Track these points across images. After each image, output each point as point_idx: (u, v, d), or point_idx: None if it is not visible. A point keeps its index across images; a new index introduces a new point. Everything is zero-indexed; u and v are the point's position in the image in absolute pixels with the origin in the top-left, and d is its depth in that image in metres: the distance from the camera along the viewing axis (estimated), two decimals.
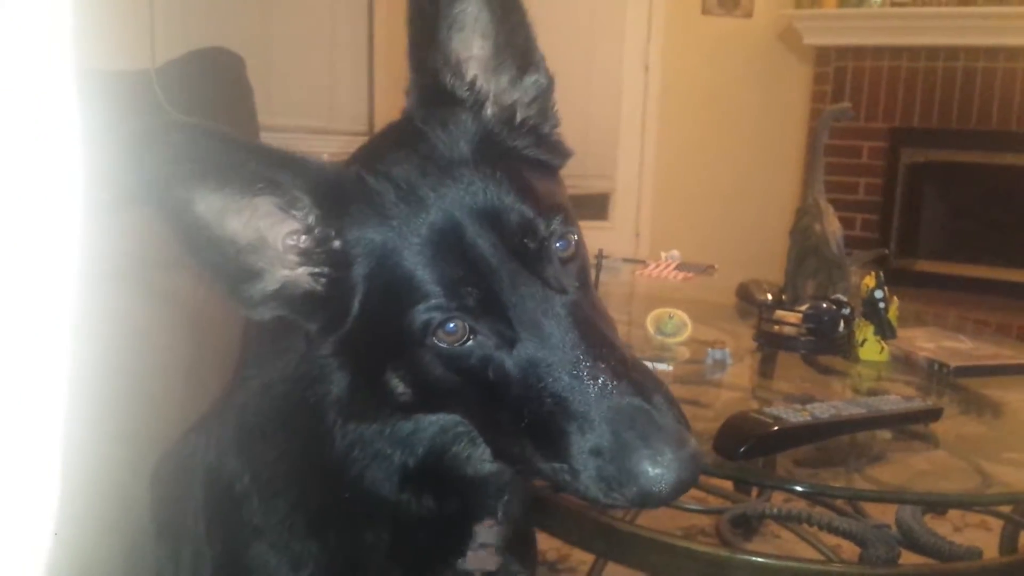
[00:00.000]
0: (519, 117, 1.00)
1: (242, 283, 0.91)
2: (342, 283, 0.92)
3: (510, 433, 0.89)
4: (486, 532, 1.03)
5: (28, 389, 0.40)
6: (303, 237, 0.92)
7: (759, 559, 1.53)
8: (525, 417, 0.86)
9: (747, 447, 1.48)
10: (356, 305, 0.92)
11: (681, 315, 2.12)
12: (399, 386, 0.93)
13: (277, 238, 0.92)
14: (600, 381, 0.83)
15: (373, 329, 0.92)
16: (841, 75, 4.90)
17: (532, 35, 1.00)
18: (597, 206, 5.34)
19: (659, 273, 3.02)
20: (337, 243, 0.92)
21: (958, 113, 4.66)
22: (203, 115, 3.13)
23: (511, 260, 0.88)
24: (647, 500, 0.81)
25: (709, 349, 2.04)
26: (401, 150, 0.94)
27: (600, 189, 5.32)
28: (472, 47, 0.98)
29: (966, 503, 2.05)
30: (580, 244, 0.96)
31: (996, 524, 2.19)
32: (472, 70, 0.98)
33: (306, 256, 0.93)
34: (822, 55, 4.95)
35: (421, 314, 0.87)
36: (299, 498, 1.02)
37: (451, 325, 0.87)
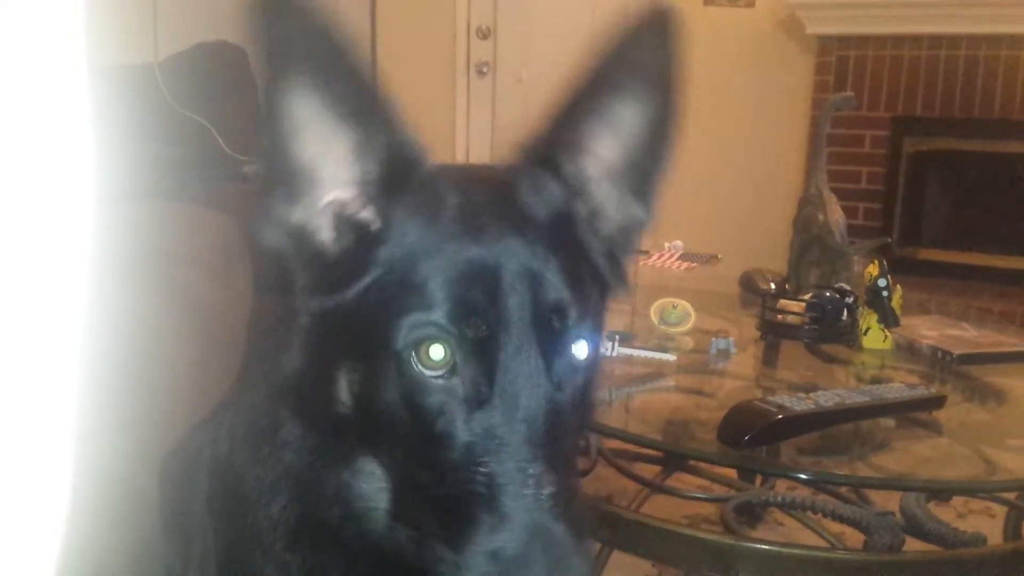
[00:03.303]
0: (603, 229, 0.98)
1: (276, 194, 0.88)
2: (356, 259, 0.88)
3: (422, 496, 0.84)
4: None
5: (39, 382, 0.40)
6: (350, 194, 0.89)
7: (764, 546, 1.54)
8: (447, 485, 0.81)
9: (751, 436, 1.49)
10: (358, 287, 0.88)
11: (685, 305, 2.13)
12: (343, 392, 0.89)
13: (328, 178, 0.89)
14: (542, 494, 0.77)
15: (356, 318, 0.88)
16: (843, 64, 4.89)
17: (665, 175, 0.98)
18: None
19: (662, 263, 3.03)
20: (375, 219, 0.89)
21: (960, 101, 4.65)
22: (207, 108, 3.14)
23: (530, 327, 0.84)
24: None
25: (713, 338, 2.05)
26: (487, 184, 0.93)
27: None
28: (605, 146, 0.96)
29: (970, 490, 2.06)
30: (596, 361, 0.92)
31: (1000, 511, 2.20)
32: (588, 163, 0.97)
33: (340, 213, 0.90)
34: (824, 44, 4.93)
35: (412, 326, 0.83)
36: (288, 504, 0.98)
37: (439, 350, 0.83)
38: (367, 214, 0.89)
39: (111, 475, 1.07)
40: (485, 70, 5.39)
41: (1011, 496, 2.01)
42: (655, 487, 1.99)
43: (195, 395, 1.45)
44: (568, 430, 0.87)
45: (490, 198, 0.93)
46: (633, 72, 0.94)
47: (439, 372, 0.83)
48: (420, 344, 0.83)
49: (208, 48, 3.32)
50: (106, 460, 1.06)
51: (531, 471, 0.78)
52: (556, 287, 0.86)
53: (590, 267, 0.96)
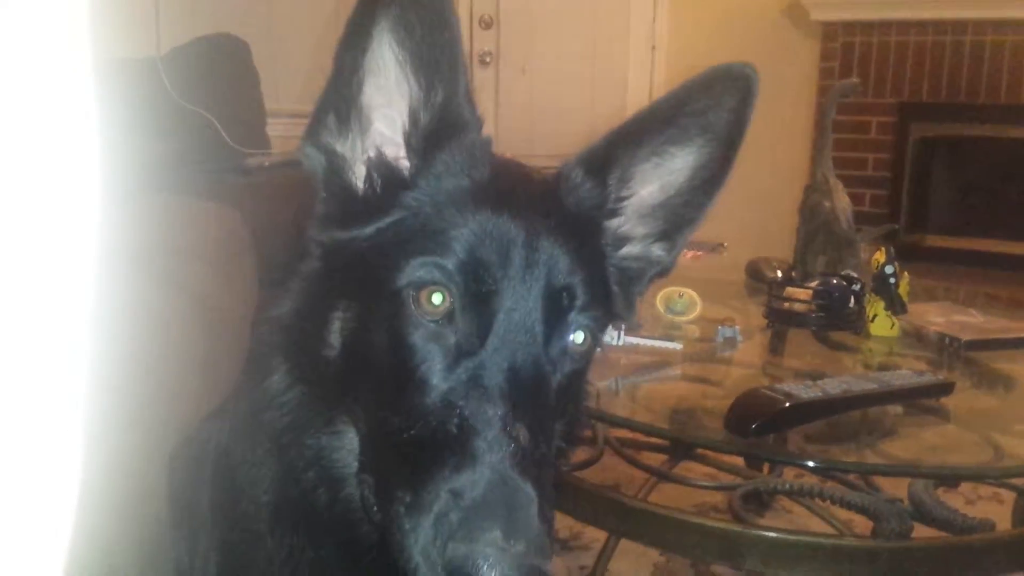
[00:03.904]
0: (625, 253, 1.02)
1: (327, 121, 0.92)
2: (382, 199, 0.92)
3: (393, 441, 0.84)
4: None
5: (47, 377, 0.40)
6: (396, 141, 0.93)
7: (772, 534, 1.53)
8: (419, 427, 0.82)
9: (759, 424, 1.49)
10: (377, 225, 0.91)
11: (691, 293, 2.13)
12: (333, 335, 0.91)
13: (381, 125, 0.93)
14: (509, 447, 0.78)
15: (366, 255, 0.90)
16: (848, 50, 4.87)
17: (697, 224, 1.02)
18: None
19: None
20: (411, 165, 0.92)
21: (966, 87, 4.63)
22: (210, 101, 3.14)
23: (537, 296, 0.86)
24: (462, 572, 0.73)
25: (719, 327, 2.05)
26: (528, 169, 0.97)
27: None
28: (649, 183, 1.00)
29: (978, 476, 2.05)
30: (590, 360, 0.95)
31: (1009, 496, 2.19)
32: (630, 192, 1.00)
33: (380, 157, 0.93)
34: (829, 31, 4.92)
35: (421, 266, 0.85)
36: (270, 484, 1.00)
37: (439, 296, 0.85)
38: (405, 162, 0.93)
39: (119, 469, 1.07)
40: (488, 60, 5.38)
41: (1020, 482, 2.00)
42: (662, 476, 1.99)
43: (200, 389, 1.46)
44: (550, 406, 0.88)
45: (527, 179, 0.97)
46: (700, 123, 0.96)
47: (439, 317, 0.85)
48: (423, 287, 0.85)
49: (210, 41, 3.31)
50: (114, 454, 1.06)
51: (506, 421, 0.80)
52: (570, 271, 0.89)
53: (603, 278, 0.98)
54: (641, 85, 5.14)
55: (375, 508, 0.87)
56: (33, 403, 0.40)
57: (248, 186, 2.90)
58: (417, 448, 0.81)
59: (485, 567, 0.72)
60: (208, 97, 3.13)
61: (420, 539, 0.76)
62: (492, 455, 0.77)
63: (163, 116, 3.00)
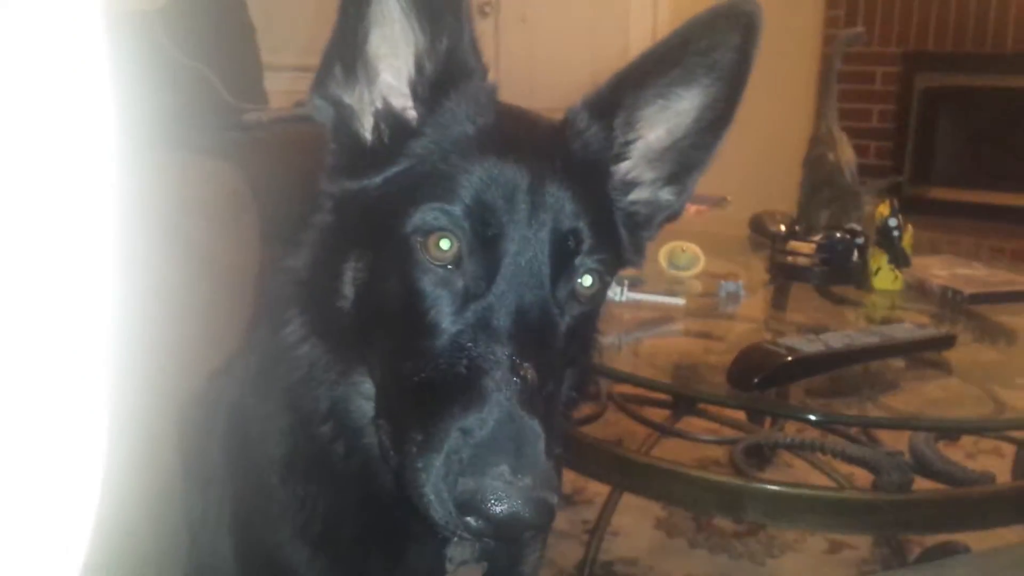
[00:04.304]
0: (633, 197, 1.02)
1: (335, 72, 0.93)
2: (390, 148, 0.93)
3: (406, 384, 0.86)
4: (459, 550, 1.00)
5: (69, 338, 0.40)
6: (402, 91, 0.94)
7: (774, 487, 1.55)
8: (430, 370, 0.83)
9: (761, 378, 1.49)
10: (386, 174, 0.92)
11: (694, 248, 2.12)
12: (347, 285, 0.92)
13: (387, 76, 0.94)
14: (516, 387, 0.80)
15: (376, 204, 0.92)
16: None
17: (706, 166, 1.01)
18: None
19: None
20: (417, 114, 0.93)
21: (973, 36, 4.56)
22: (205, 55, 3.10)
23: (543, 240, 0.87)
24: (472, 506, 0.75)
25: (722, 282, 2.04)
26: (533, 114, 0.98)
27: None
28: (655, 129, 1.00)
29: (979, 429, 2.06)
30: (599, 303, 0.95)
31: (1009, 450, 2.21)
32: (636, 135, 1.00)
33: (387, 107, 0.94)
34: None
35: (428, 212, 0.86)
36: (282, 436, 1.02)
37: (447, 242, 0.86)
38: (411, 112, 0.94)
39: (129, 426, 1.07)
40: (488, 10, 5.31)
41: (1020, 435, 2.02)
42: (665, 431, 2.00)
43: (206, 345, 1.46)
44: (558, 348, 0.89)
45: (533, 124, 0.97)
46: (705, 62, 0.95)
47: (443, 263, 0.86)
48: (431, 233, 0.86)
49: None
50: (124, 411, 1.07)
51: (514, 362, 0.81)
52: (575, 214, 0.89)
53: (610, 222, 0.98)
54: (643, 33, 5.07)
55: (392, 452, 0.88)
56: (57, 361, 0.40)
57: (247, 142, 2.87)
58: (429, 390, 0.83)
59: (493, 500, 0.74)
60: (204, 50, 3.10)
61: (431, 476, 0.78)
62: (500, 394, 0.79)
63: (159, 71, 2.97)
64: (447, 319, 0.85)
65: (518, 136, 0.94)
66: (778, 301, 2.20)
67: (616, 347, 1.76)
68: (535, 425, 0.78)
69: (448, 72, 0.92)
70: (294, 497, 1.01)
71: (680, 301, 1.97)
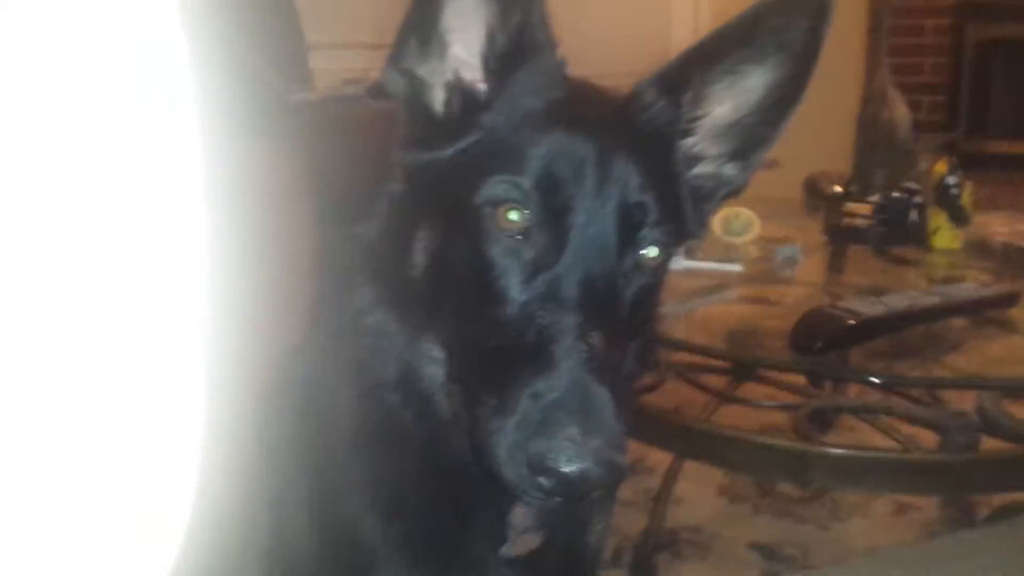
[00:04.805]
0: (697, 172, 1.03)
1: (408, 46, 0.95)
2: (461, 120, 0.94)
3: (477, 351, 0.88)
4: (520, 518, 1.01)
5: (169, 328, 0.42)
6: (473, 65, 0.96)
7: (838, 450, 1.55)
8: (500, 337, 0.86)
9: (824, 342, 1.49)
10: (457, 146, 0.94)
11: (748, 213, 2.11)
12: (418, 254, 0.94)
13: (459, 49, 0.95)
14: (584, 354, 0.81)
15: (448, 175, 0.93)
16: None
17: (771, 144, 1.01)
18: None
19: None
20: (487, 88, 0.95)
21: None
22: (250, 38, 3.13)
23: (610, 212, 0.88)
24: (543, 466, 0.77)
25: (778, 247, 2.03)
26: (602, 89, 0.99)
27: None
28: (722, 105, 1.00)
29: None
30: (663, 274, 0.96)
31: None
32: (704, 111, 1.00)
33: (458, 80, 0.96)
34: None
35: (498, 183, 0.88)
36: (351, 408, 1.05)
37: (516, 214, 0.88)
38: (482, 85, 0.95)
39: (217, 407, 1.11)
40: None
41: None
42: (725, 397, 2.00)
43: (276, 325, 1.49)
44: (623, 317, 0.91)
45: (601, 98, 0.99)
46: (776, 41, 0.96)
47: (515, 232, 0.88)
48: (500, 204, 0.88)
49: None
50: (212, 392, 1.10)
51: (581, 330, 0.83)
52: (641, 187, 0.90)
53: (674, 196, 0.99)
54: (686, 4, 5.00)
55: (465, 416, 0.90)
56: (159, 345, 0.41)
57: (298, 124, 2.91)
58: (499, 357, 0.85)
59: (564, 460, 0.76)
60: (248, 32, 3.12)
61: (504, 438, 0.80)
62: (568, 361, 0.81)
63: (204, 55, 3.01)
64: (516, 288, 0.87)
65: (586, 110, 0.96)
66: (836, 264, 2.18)
67: (674, 316, 1.77)
68: (603, 390, 0.80)
69: (518, 46, 0.94)
70: (365, 467, 1.04)
71: (736, 267, 1.96)
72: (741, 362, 1.97)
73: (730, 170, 1.04)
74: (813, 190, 2.49)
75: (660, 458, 2.30)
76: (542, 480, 0.78)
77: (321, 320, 1.13)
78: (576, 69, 1.02)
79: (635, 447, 2.38)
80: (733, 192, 1.06)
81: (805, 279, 2.06)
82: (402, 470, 1.04)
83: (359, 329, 1.00)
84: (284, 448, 1.17)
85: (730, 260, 1.99)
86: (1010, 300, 1.71)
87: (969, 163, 3.28)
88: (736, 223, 2.10)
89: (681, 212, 1.01)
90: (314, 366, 1.11)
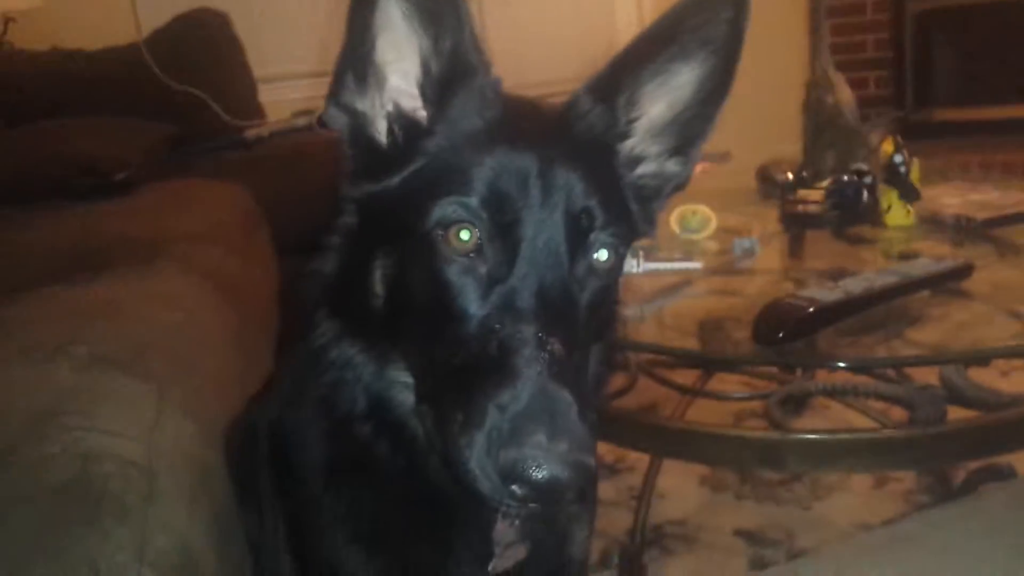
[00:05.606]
0: (640, 172, 1.05)
1: (347, 80, 0.97)
2: (405, 149, 0.97)
3: (442, 370, 0.90)
4: (504, 533, 1.04)
5: None
6: (411, 94, 0.98)
7: (810, 436, 1.57)
8: (463, 353, 0.88)
9: (786, 332, 1.51)
10: (403, 174, 0.96)
11: (704, 210, 2.13)
12: (377, 283, 0.96)
13: (395, 80, 0.98)
14: (544, 361, 0.83)
15: (398, 203, 0.95)
16: None
17: (707, 136, 1.04)
18: None
19: None
20: (427, 114, 0.97)
21: None
22: (197, 77, 3.12)
23: (558, 221, 0.91)
24: (515, 474, 0.79)
25: (736, 239, 2.05)
26: (537, 102, 1.02)
27: None
28: (656, 104, 1.03)
29: (1006, 355, 2.06)
30: (616, 276, 0.99)
31: None
32: (638, 112, 1.03)
33: (398, 111, 0.98)
34: None
35: (446, 206, 0.90)
36: (333, 446, 1.06)
37: (467, 233, 0.90)
38: (422, 112, 0.98)
39: (183, 457, 1.11)
40: None
41: None
42: (697, 393, 2.02)
43: (239, 368, 1.49)
44: (580, 321, 0.93)
45: (538, 112, 1.02)
46: (699, 37, 0.99)
47: (465, 253, 0.90)
48: (450, 225, 0.90)
49: (189, 18, 3.28)
50: (175, 444, 1.10)
51: (540, 338, 0.85)
52: (586, 193, 0.93)
53: (620, 197, 1.02)
54: (628, 7, 5.03)
55: (437, 435, 0.91)
56: None
57: (251, 159, 2.90)
58: (464, 373, 0.87)
59: (534, 466, 0.78)
60: (195, 72, 3.12)
61: (475, 451, 0.82)
62: (530, 369, 0.83)
63: (154, 100, 2.99)
64: (474, 304, 0.89)
65: (525, 125, 0.98)
66: (794, 250, 2.20)
67: (639, 318, 1.78)
68: (565, 394, 0.82)
69: (453, 70, 0.96)
70: (342, 502, 1.05)
71: (697, 265, 1.98)
72: (710, 361, 1.99)
73: (672, 166, 1.07)
74: (766, 178, 2.52)
75: (640, 455, 2.32)
76: (516, 488, 0.80)
77: (285, 358, 1.13)
78: (524, 79, 1.04)
79: (613, 447, 2.39)
80: (678, 187, 1.09)
81: (766, 267, 2.08)
82: (380, 501, 1.05)
83: (324, 364, 1.01)
84: (257, 493, 1.17)
85: (691, 257, 2.01)
86: (965, 272, 1.74)
87: (919, 133, 3.34)
88: (693, 220, 2.12)
89: (628, 213, 1.04)
90: (281, 409, 1.12)
